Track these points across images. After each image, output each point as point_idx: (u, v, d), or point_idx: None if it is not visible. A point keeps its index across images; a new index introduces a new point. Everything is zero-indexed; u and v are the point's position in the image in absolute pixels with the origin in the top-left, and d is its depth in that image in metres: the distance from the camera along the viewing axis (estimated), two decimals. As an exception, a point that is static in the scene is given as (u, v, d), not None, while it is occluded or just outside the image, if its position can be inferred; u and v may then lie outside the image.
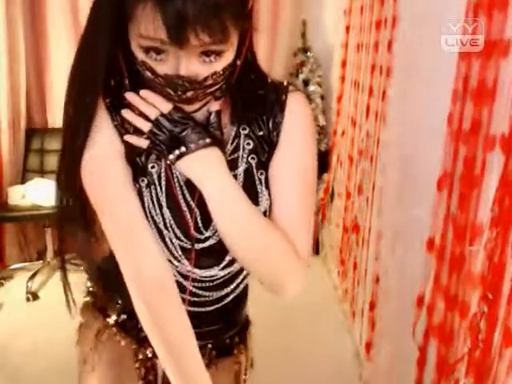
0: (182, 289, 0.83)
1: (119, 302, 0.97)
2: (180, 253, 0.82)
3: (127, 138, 0.75)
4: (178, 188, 0.79)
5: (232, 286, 0.90)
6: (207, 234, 0.81)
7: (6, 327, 2.46)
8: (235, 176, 0.78)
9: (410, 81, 1.65)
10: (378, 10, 2.02)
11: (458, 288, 1.16)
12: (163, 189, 0.78)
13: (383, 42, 1.92)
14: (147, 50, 0.65)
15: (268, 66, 3.13)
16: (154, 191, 0.78)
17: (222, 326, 0.96)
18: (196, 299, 0.88)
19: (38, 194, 2.77)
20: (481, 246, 1.05)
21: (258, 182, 0.80)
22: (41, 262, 2.98)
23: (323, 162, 3.13)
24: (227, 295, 0.90)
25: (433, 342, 1.30)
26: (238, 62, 0.73)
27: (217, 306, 0.90)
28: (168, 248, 0.81)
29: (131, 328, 0.94)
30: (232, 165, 0.78)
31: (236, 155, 0.80)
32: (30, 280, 2.78)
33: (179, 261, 0.83)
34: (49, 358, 2.19)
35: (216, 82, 0.70)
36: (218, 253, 0.83)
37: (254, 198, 0.78)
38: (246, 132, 0.80)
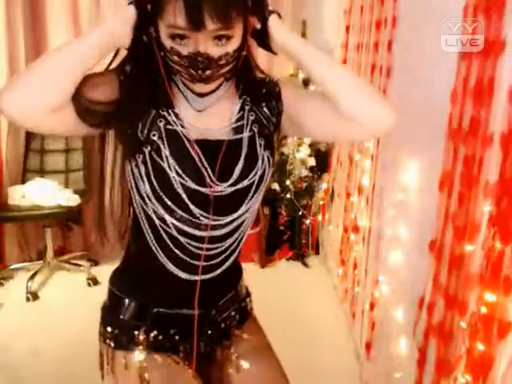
0: (192, 254, 0.95)
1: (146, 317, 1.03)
2: (193, 207, 0.92)
3: None
4: (187, 145, 0.91)
5: (234, 245, 1.00)
6: (220, 184, 0.92)
7: (6, 327, 2.46)
8: (240, 140, 0.94)
9: (410, 81, 1.65)
10: (378, 10, 2.02)
11: (458, 288, 1.16)
12: (168, 149, 0.90)
13: (383, 42, 1.92)
14: (173, 37, 0.84)
15: (268, 66, 3.13)
16: (161, 154, 0.90)
17: (234, 291, 1.10)
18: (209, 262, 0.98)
19: (38, 194, 2.78)
20: (479, 245, 1.05)
21: (258, 146, 0.95)
22: (41, 261, 2.98)
23: (323, 161, 3.13)
24: (231, 253, 1.01)
25: (433, 342, 1.30)
26: (244, 52, 0.91)
27: (222, 268, 1.01)
28: (184, 205, 0.91)
29: (162, 342, 1.02)
30: (238, 130, 0.95)
31: (241, 123, 0.96)
32: (30, 280, 2.78)
33: (192, 215, 0.93)
34: (49, 358, 2.19)
35: (228, 62, 0.87)
36: (229, 206, 0.95)
37: (254, 160, 0.94)
38: (249, 107, 0.97)
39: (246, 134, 0.95)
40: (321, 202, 3.18)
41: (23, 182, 2.95)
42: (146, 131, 0.90)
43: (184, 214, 0.92)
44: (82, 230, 3.28)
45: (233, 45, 0.85)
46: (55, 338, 2.34)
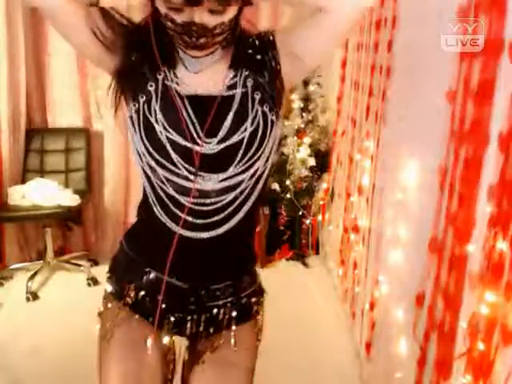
0: (180, 207, 0.94)
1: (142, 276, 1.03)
2: (181, 161, 0.92)
3: None
4: (178, 100, 0.92)
5: (228, 211, 0.96)
6: (208, 140, 0.91)
7: (6, 327, 2.46)
8: (233, 96, 0.93)
9: (410, 81, 1.65)
10: (378, 10, 2.02)
11: (458, 288, 1.16)
12: (159, 103, 0.92)
13: (383, 42, 1.92)
14: (169, 8, 0.84)
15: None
16: (151, 107, 0.92)
17: (231, 267, 1.05)
18: (197, 221, 0.95)
19: (38, 194, 2.78)
20: (479, 246, 1.05)
21: (250, 101, 0.93)
22: (41, 261, 2.98)
23: (323, 162, 3.13)
24: (224, 220, 0.96)
25: (433, 342, 1.30)
26: (241, 21, 0.92)
27: (213, 232, 0.96)
28: (171, 160, 0.92)
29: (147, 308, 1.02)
30: (231, 87, 0.94)
31: (235, 80, 0.94)
32: (30, 280, 2.78)
33: (179, 169, 0.92)
34: (49, 358, 2.19)
35: (223, 31, 0.87)
36: (219, 163, 0.93)
37: (244, 115, 0.92)
38: (244, 65, 0.95)
39: (238, 90, 0.94)
40: (321, 202, 3.18)
41: (23, 182, 2.95)
42: (145, 79, 0.93)
43: (173, 168, 0.93)
44: (82, 230, 3.28)
45: (229, 14, 0.85)
46: (55, 338, 2.34)
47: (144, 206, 1.01)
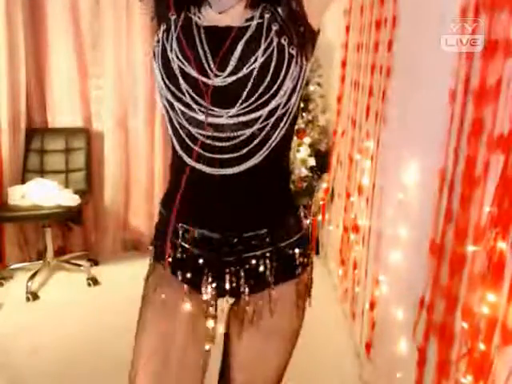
0: (195, 141, 0.91)
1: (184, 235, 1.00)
2: (192, 93, 0.90)
3: None
4: (195, 32, 0.91)
5: (249, 147, 0.91)
6: (219, 73, 0.88)
7: (6, 327, 2.46)
8: (248, 27, 0.89)
9: (410, 81, 1.65)
10: (378, 10, 2.02)
11: (458, 288, 1.16)
12: (177, 32, 0.91)
13: (383, 41, 1.92)
14: None
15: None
16: (169, 36, 0.92)
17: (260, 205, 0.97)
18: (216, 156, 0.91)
19: (38, 194, 2.78)
20: (480, 246, 1.05)
21: (265, 31, 0.88)
22: (41, 261, 2.98)
23: (323, 162, 3.13)
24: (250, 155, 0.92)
25: (433, 342, 1.30)
26: None
27: (235, 168, 0.91)
28: (182, 91, 0.90)
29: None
30: (249, 19, 0.90)
31: (254, 13, 0.91)
32: (30, 280, 2.78)
33: (190, 102, 0.90)
34: (49, 358, 2.19)
35: None
36: (228, 97, 0.89)
37: (256, 45, 0.87)
38: (264, 5, 0.91)
39: (255, 21, 0.90)
40: (321, 202, 3.18)
41: (23, 182, 2.95)
42: (168, 9, 0.94)
43: (186, 100, 0.91)
44: (82, 230, 3.28)
45: None
46: (55, 338, 2.34)
47: (171, 151, 0.98)
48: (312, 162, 3.09)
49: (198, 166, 0.92)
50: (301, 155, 3.08)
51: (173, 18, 0.93)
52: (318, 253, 3.33)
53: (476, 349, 1.03)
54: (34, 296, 2.73)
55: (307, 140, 3.08)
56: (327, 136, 3.18)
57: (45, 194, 2.78)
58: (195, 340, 1.01)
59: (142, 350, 0.99)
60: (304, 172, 3.09)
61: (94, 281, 2.90)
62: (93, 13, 3.05)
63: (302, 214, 1.04)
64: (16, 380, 2.07)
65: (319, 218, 3.23)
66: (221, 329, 1.07)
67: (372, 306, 1.95)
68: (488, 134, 1.05)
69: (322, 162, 3.13)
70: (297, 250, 1.00)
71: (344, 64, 2.80)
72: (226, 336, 1.08)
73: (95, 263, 3.18)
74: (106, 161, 3.21)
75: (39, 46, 3.04)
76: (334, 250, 2.90)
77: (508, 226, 0.95)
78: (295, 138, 3.07)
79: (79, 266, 3.04)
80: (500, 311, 0.97)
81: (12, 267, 3.01)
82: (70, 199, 2.82)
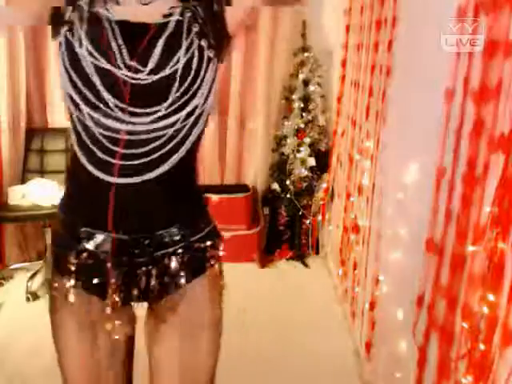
0: (115, 142, 0.87)
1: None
2: (108, 94, 0.85)
3: None
4: (107, 26, 0.86)
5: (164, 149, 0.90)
6: (139, 69, 0.86)
7: (6, 327, 2.46)
8: (166, 23, 0.88)
9: (410, 81, 1.65)
10: (378, 10, 2.02)
11: (459, 288, 1.16)
12: (84, 28, 0.86)
13: (383, 41, 1.92)
14: None
15: (268, 66, 3.13)
16: (76, 33, 0.86)
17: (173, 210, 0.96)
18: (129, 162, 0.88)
19: (38, 193, 2.77)
20: (480, 246, 1.05)
21: (185, 31, 0.88)
22: (41, 261, 2.98)
23: (323, 162, 3.13)
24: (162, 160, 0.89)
25: (433, 342, 1.30)
26: None
27: (151, 173, 0.89)
28: (97, 91, 0.85)
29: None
30: (168, 16, 0.89)
31: (174, 10, 0.90)
32: (30, 280, 2.78)
33: (107, 103, 0.86)
34: (49, 358, 2.18)
35: None
36: (153, 97, 0.87)
37: (177, 45, 0.87)
38: (186, 5, 0.91)
39: (173, 18, 0.89)
40: (321, 202, 3.18)
41: (23, 182, 2.94)
42: (63, 8, 0.88)
43: (97, 102, 0.86)
44: (82, 230, 3.28)
45: None
46: (55, 338, 2.34)
47: (72, 156, 0.93)
48: (312, 162, 3.09)
49: (108, 179, 0.89)
50: (301, 155, 3.08)
51: (75, 15, 0.87)
52: (318, 253, 3.33)
53: (476, 349, 1.03)
54: (34, 296, 2.72)
55: (307, 140, 3.08)
56: (327, 136, 3.18)
57: (45, 194, 2.77)
58: (113, 352, 1.03)
59: (69, 375, 1.03)
60: (304, 172, 3.09)
61: (93, 281, 2.89)
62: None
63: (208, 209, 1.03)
64: (16, 380, 2.07)
65: (319, 218, 3.23)
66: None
67: (372, 305, 1.95)
68: (488, 134, 1.05)
69: (322, 162, 3.14)
70: (208, 243, 0.99)
71: (344, 64, 2.80)
72: (148, 347, 1.05)
73: (95, 263, 3.18)
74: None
75: (39, 46, 3.04)
76: (334, 250, 2.90)
77: (508, 226, 0.95)
78: (295, 138, 3.07)
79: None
80: (500, 311, 0.97)
81: (12, 267, 3.01)
82: (70, 199, 2.81)
